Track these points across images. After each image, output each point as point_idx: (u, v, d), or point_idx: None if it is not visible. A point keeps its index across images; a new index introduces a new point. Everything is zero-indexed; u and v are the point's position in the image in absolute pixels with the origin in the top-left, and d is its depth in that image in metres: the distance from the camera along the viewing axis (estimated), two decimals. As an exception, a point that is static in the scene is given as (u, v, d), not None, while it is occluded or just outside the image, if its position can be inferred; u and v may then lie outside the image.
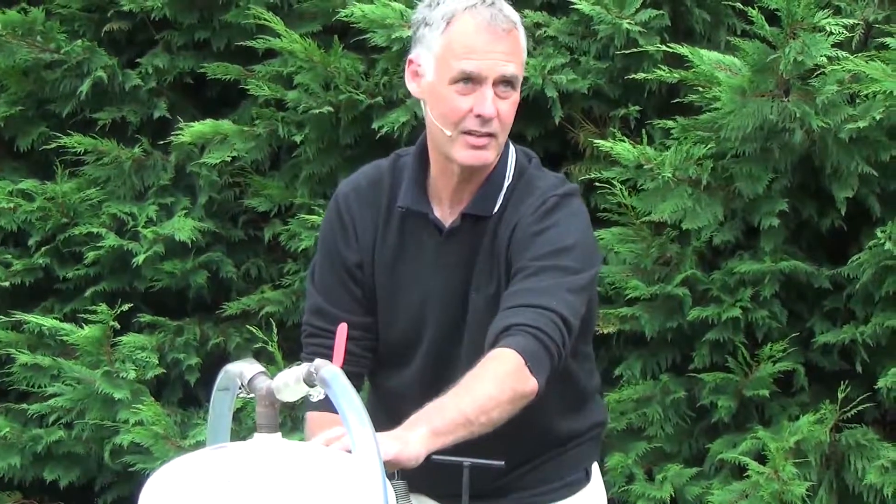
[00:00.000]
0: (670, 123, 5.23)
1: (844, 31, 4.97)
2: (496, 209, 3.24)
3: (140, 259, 5.78)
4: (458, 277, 3.25)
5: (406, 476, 2.71)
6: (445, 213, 3.27)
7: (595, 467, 3.51)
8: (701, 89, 5.14)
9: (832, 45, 4.95)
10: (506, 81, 3.14)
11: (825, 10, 5.00)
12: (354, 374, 3.13)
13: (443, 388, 3.01)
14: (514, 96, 3.17)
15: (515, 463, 3.27)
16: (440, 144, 3.20)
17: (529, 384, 2.95)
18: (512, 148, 3.28)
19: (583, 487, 3.46)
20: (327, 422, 3.03)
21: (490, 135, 3.15)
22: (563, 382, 3.24)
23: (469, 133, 3.14)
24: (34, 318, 5.83)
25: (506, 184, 3.26)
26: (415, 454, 2.71)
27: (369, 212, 3.30)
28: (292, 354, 5.25)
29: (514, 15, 3.18)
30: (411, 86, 3.24)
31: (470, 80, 3.12)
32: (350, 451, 2.44)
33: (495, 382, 2.91)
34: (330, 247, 3.33)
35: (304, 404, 2.65)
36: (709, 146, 5.12)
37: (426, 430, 2.76)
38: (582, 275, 3.14)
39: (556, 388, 3.13)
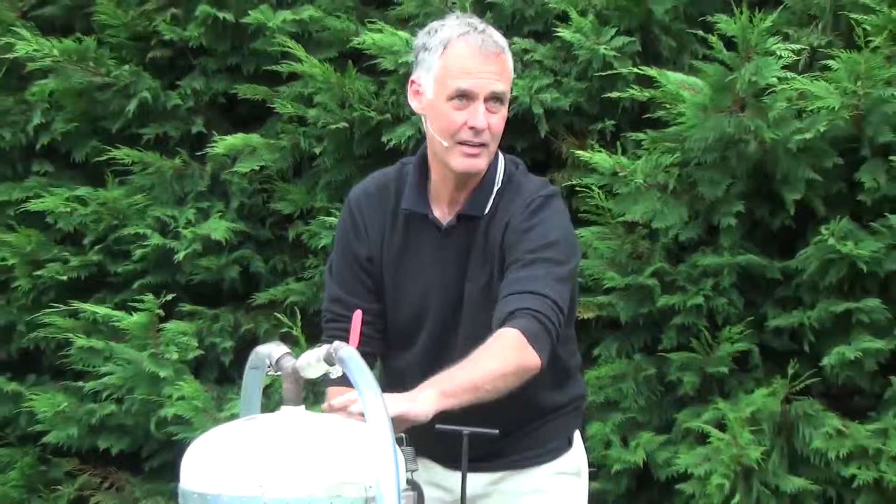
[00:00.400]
0: (641, 136, 5.23)
1: (792, 55, 4.98)
2: (487, 210, 3.24)
3: (181, 256, 5.77)
4: (455, 270, 3.25)
5: (413, 443, 2.70)
6: (444, 214, 3.27)
7: (577, 435, 3.49)
8: (668, 106, 5.14)
9: (782, 67, 4.97)
10: (495, 98, 3.15)
11: (776, 37, 5.01)
12: (369, 354, 3.16)
13: (442, 368, 3.03)
14: (503, 111, 3.18)
15: (507, 431, 3.24)
16: (439, 153, 3.20)
17: (533, 359, 2.99)
18: (501, 157, 3.29)
19: (564, 453, 3.44)
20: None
21: (482, 145, 3.16)
22: (550, 362, 3.20)
23: (464, 143, 3.15)
24: (89, 307, 5.83)
25: (495, 188, 3.26)
26: (423, 411, 2.75)
27: (378, 213, 3.30)
28: (314, 338, 5.24)
29: (502, 40, 3.20)
30: (413, 103, 3.25)
31: (464, 96, 3.13)
32: (364, 420, 2.46)
33: (501, 357, 2.96)
34: (344, 244, 3.33)
35: (325, 380, 2.66)
36: (675, 156, 5.12)
37: (435, 391, 2.80)
38: (566, 266, 3.16)
39: (545, 367, 3.14)
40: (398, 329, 3.32)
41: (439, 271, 3.26)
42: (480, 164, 3.19)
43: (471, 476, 3.09)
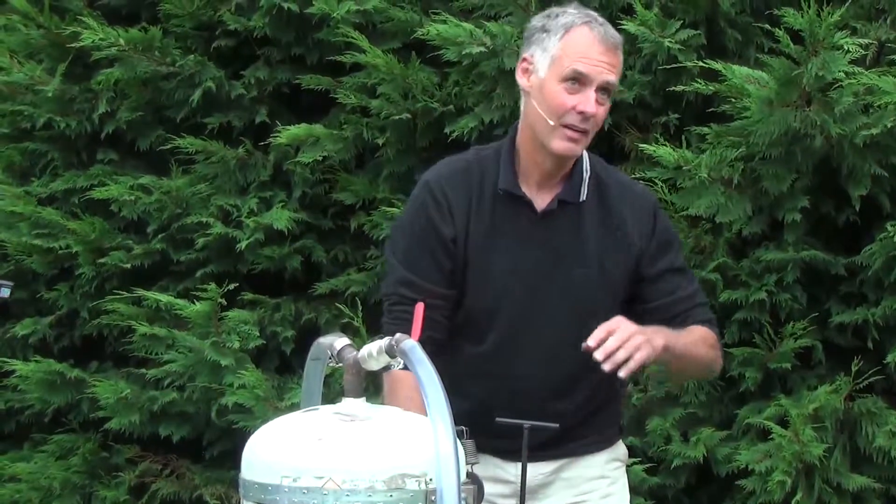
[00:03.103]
0: (706, 130, 5.19)
1: (860, 50, 4.92)
2: (584, 197, 3.32)
3: (243, 245, 5.79)
4: (552, 253, 3.31)
5: (473, 438, 2.72)
6: (534, 196, 3.32)
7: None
8: (733, 100, 5.10)
9: (849, 62, 4.90)
10: (605, 89, 3.24)
11: (843, 31, 4.95)
12: (438, 340, 3.24)
13: (518, 357, 3.23)
14: (608, 104, 3.27)
15: (573, 419, 3.36)
16: (540, 132, 3.26)
17: (720, 366, 3.54)
18: None
19: (618, 440, 3.56)
20: (405, 378, 3.06)
21: (584, 131, 3.24)
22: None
23: (568, 127, 3.21)
24: (152, 295, 5.85)
25: (586, 175, 3.34)
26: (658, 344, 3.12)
27: (462, 194, 3.32)
28: (374, 327, 5.24)
29: (619, 37, 3.29)
30: (521, 80, 3.32)
31: (578, 80, 3.20)
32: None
33: (713, 352, 3.43)
34: (423, 225, 3.33)
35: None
36: (739, 150, 5.09)
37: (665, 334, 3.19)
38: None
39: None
40: (477, 312, 3.34)
41: (531, 252, 3.31)
42: (578, 149, 3.28)
43: (534, 465, 3.24)
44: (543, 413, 3.15)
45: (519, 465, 3.28)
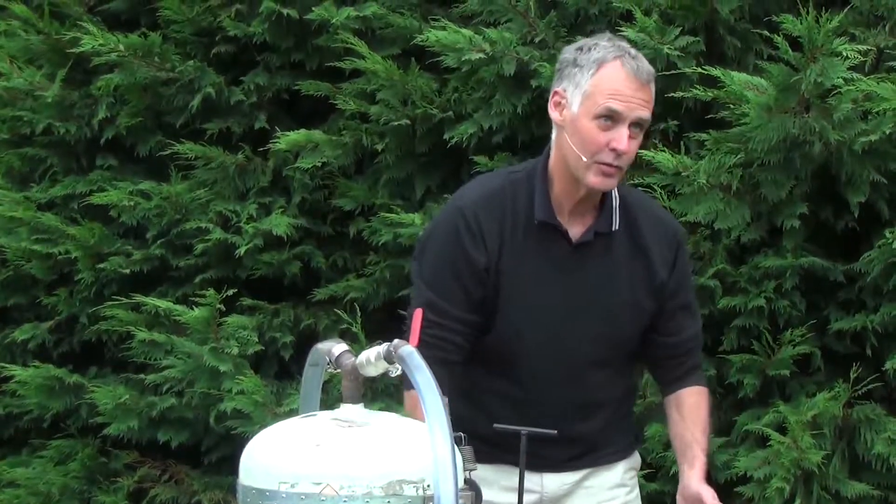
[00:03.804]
0: (705, 136, 5.18)
1: (859, 56, 4.91)
2: (616, 227, 3.31)
3: (242, 251, 5.79)
4: (583, 282, 3.30)
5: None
6: (568, 226, 3.30)
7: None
8: (732, 106, 5.09)
9: (848, 69, 4.89)
10: (638, 124, 3.20)
11: (842, 38, 4.94)
12: (456, 362, 3.25)
13: (547, 383, 3.26)
14: (640, 138, 3.24)
15: (593, 440, 3.44)
16: (573, 167, 3.23)
17: None
18: None
19: (634, 450, 3.61)
20: None
21: (619, 167, 3.21)
22: (630, 365, 3.50)
23: (601, 163, 3.19)
24: (151, 301, 5.85)
25: (615, 204, 3.33)
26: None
27: (493, 221, 3.28)
28: (374, 335, 5.25)
29: (652, 70, 3.25)
30: (553, 114, 3.28)
31: (611, 118, 3.17)
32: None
33: (708, 422, 3.55)
34: (454, 251, 3.28)
35: (403, 384, 2.65)
36: (738, 156, 5.07)
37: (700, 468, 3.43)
38: None
39: (632, 383, 3.54)
40: (505, 337, 3.32)
41: (567, 282, 3.30)
42: (613, 183, 3.25)
43: (559, 475, 3.39)
44: (569, 433, 3.22)
45: (535, 475, 3.33)
